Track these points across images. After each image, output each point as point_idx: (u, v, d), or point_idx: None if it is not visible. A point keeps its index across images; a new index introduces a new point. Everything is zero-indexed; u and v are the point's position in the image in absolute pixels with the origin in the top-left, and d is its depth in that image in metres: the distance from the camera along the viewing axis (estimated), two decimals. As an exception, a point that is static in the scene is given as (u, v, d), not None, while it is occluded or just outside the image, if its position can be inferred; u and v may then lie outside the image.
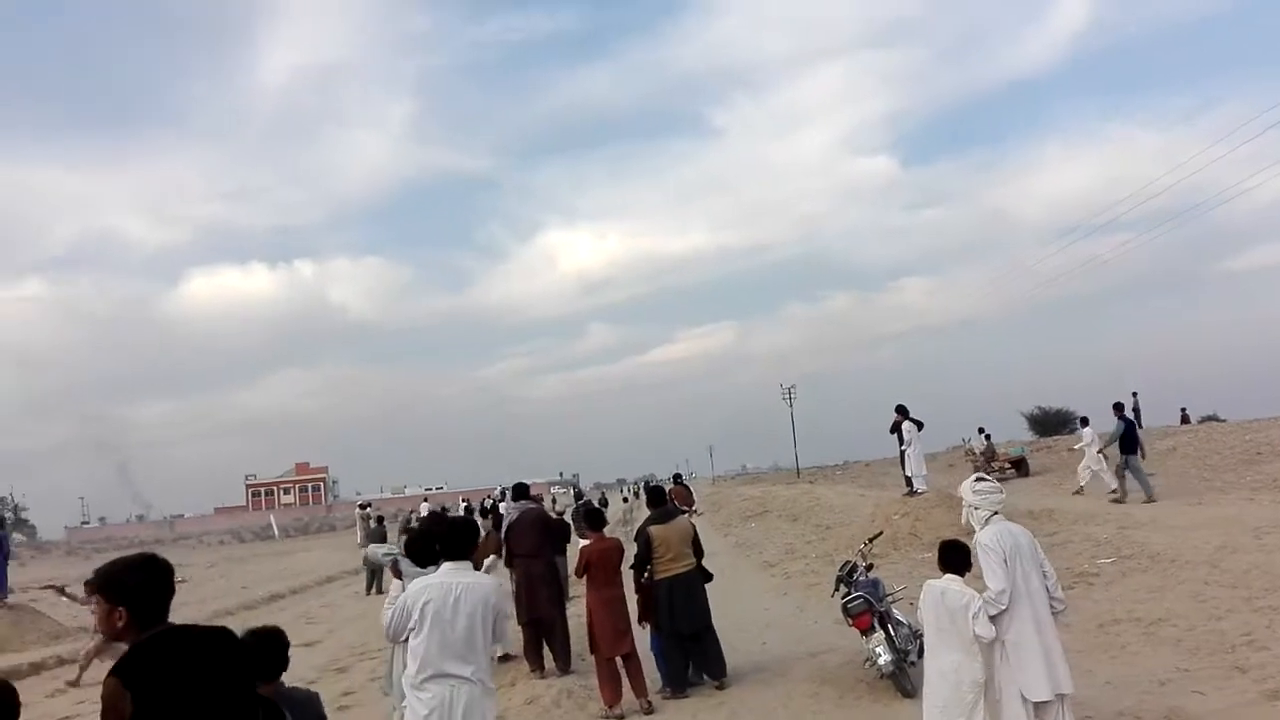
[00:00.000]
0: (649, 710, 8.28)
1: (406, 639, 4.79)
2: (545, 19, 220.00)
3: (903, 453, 18.50)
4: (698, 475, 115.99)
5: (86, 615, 12.92)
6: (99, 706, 2.78)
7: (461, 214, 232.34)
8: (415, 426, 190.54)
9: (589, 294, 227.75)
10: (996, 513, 5.52)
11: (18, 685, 3.05)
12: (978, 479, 5.76)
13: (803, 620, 11.48)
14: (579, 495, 36.12)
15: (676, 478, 28.40)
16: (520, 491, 11.84)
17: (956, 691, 5.30)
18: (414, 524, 27.06)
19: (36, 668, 13.96)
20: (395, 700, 5.92)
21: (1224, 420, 35.13)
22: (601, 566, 8.53)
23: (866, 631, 7.78)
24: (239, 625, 3.58)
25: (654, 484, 18.42)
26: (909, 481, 18.41)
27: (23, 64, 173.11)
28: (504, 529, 10.84)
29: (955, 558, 5.56)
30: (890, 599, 8.26)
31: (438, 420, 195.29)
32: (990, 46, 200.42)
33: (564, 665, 9.85)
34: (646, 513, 9.60)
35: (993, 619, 5.21)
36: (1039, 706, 5.14)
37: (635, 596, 8.91)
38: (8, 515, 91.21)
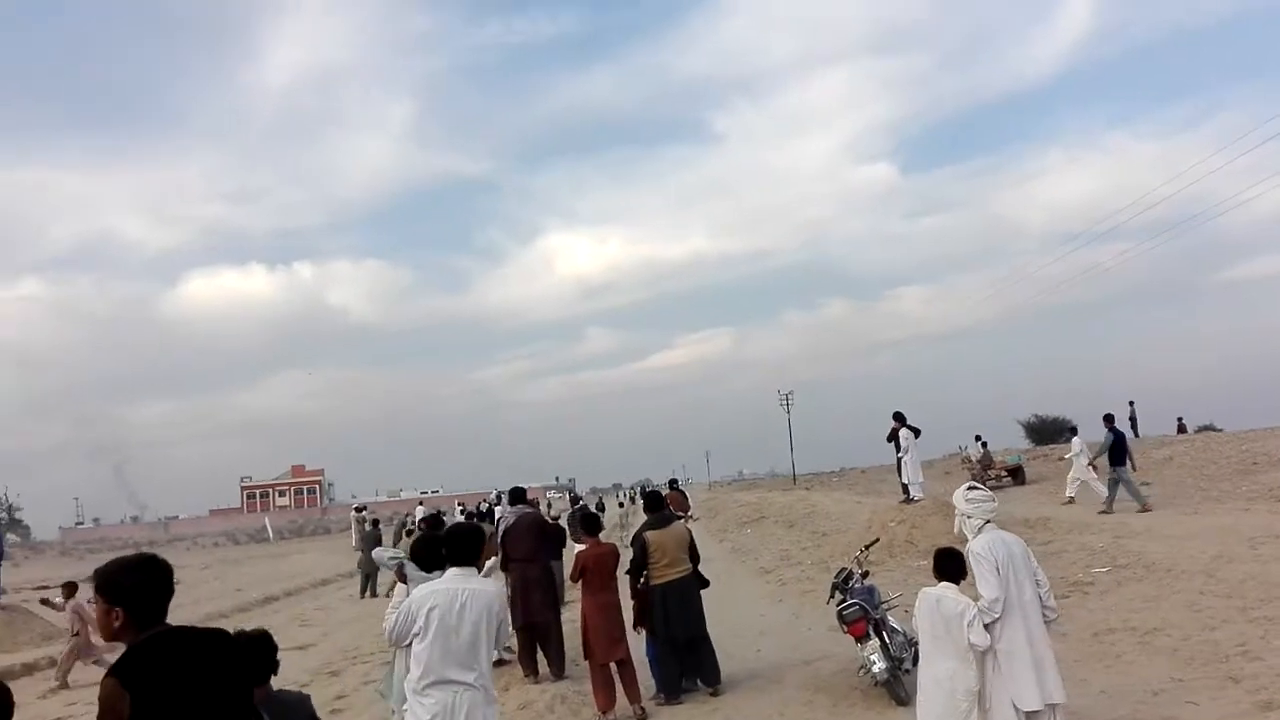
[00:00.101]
0: (643, 716, 8.26)
1: (409, 643, 4.80)
2: (546, 22, 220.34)
3: (899, 460, 18.52)
4: (694, 481, 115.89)
5: (72, 618, 12.86)
6: (92, 707, 2.78)
7: (461, 217, 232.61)
8: (412, 429, 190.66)
9: (588, 298, 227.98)
10: (989, 521, 5.53)
11: (10, 685, 3.04)
12: (970, 487, 5.77)
13: (798, 627, 11.47)
14: (575, 500, 36.04)
15: (672, 483, 28.33)
16: (517, 495, 11.80)
17: (951, 700, 5.30)
18: (409, 527, 27.02)
19: (29, 669, 13.95)
20: (395, 704, 5.91)
21: (1220, 430, 35.18)
22: (597, 572, 8.52)
23: (861, 639, 7.77)
24: (232, 628, 3.57)
25: (651, 489, 18.40)
26: (905, 489, 18.42)
27: (23, 63, 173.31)
28: (500, 533, 10.82)
29: (950, 565, 5.56)
30: (886, 606, 8.26)
31: (435, 423, 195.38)
32: (991, 55, 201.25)
33: (558, 670, 9.83)
34: (643, 518, 9.59)
35: (986, 627, 5.21)
36: (1030, 716, 5.14)
37: (631, 602, 8.91)
38: (2, 515, 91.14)
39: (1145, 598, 10.15)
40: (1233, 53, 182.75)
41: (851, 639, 7.96)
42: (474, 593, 4.78)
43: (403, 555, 6.20)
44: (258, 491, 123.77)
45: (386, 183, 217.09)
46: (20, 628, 16.84)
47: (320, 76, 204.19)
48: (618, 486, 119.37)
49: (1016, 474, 30.32)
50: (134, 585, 2.90)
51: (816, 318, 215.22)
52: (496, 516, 22.11)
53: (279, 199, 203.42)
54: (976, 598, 5.27)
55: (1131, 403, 35.03)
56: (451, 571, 4.93)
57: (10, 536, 62.74)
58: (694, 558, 8.96)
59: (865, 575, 8.65)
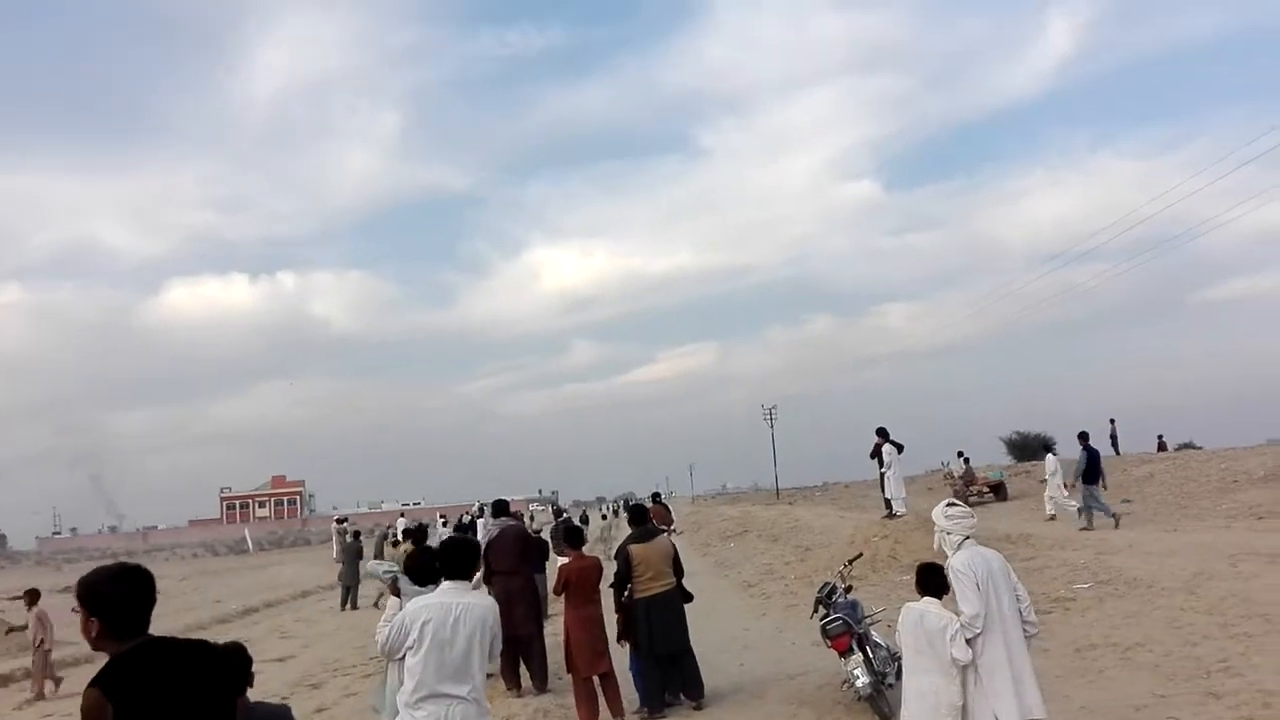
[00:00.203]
0: (626, 730, 8.23)
1: (402, 656, 4.79)
2: (536, 36, 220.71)
3: (883, 475, 18.58)
4: (677, 494, 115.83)
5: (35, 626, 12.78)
6: (69, 718, 2.75)
7: (447, 229, 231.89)
8: (394, 441, 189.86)
9: (573, 311, 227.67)
10: (968, 537, 5.55)
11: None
12: (948, 504, 5.78)
13: (781, 641, 11.45)
14: (559, 513, 35.96)
15: (655, 496, 28.31)
16: (500, 508, 11.78)
17: (934, 714, 5.30)
18: (390, 539, 26.87)
19: (5, 680, 13.77)
20: (388, 717, 5.88)
21: (1200, 448, 35.44)
22: (580, 585, 8.50)
23: (845, 653, 7.76)
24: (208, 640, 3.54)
25: (634, 502, 18.37)
26: (888, 504, 18.47)
27: (7, 68, 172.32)
28: (484, 545, 10.77)
29: (933, 580, 5.57)
30: (869, 621, 8.26)
31: (417, 435, 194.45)
32: (974, 75, 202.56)
33: (541, 684, 9.78)
34: (626, 531, 9.57)
35: (968, 642, 5.22)
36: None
37: (615, 615, 8.87)
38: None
39: (1127, 614, 10.19)
40: (1214, 76, 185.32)
41: (835, 653, 7.95)
42: (468, 606, 4.78)
43: (397, 568, 6.18)
44: (237, 502, 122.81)
45: (372, 194, 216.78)
46: (-4, 638, 16.65)
47: (308, 87, 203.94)
48: (601, 499, 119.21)
49: (999, 490, 30.46)
50: (114, 595, 2.87)
51: (801, 333, 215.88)
52: (478, 529, 22.02)
53: (263, 209, 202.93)
54: (958, 613, 5.27)
55: (1112, 420, 35.27)
56: (445, 585, 4.93)
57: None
58: (678, 571, 8.94)
59: (849, 590, 8.65)
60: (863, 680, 7.58)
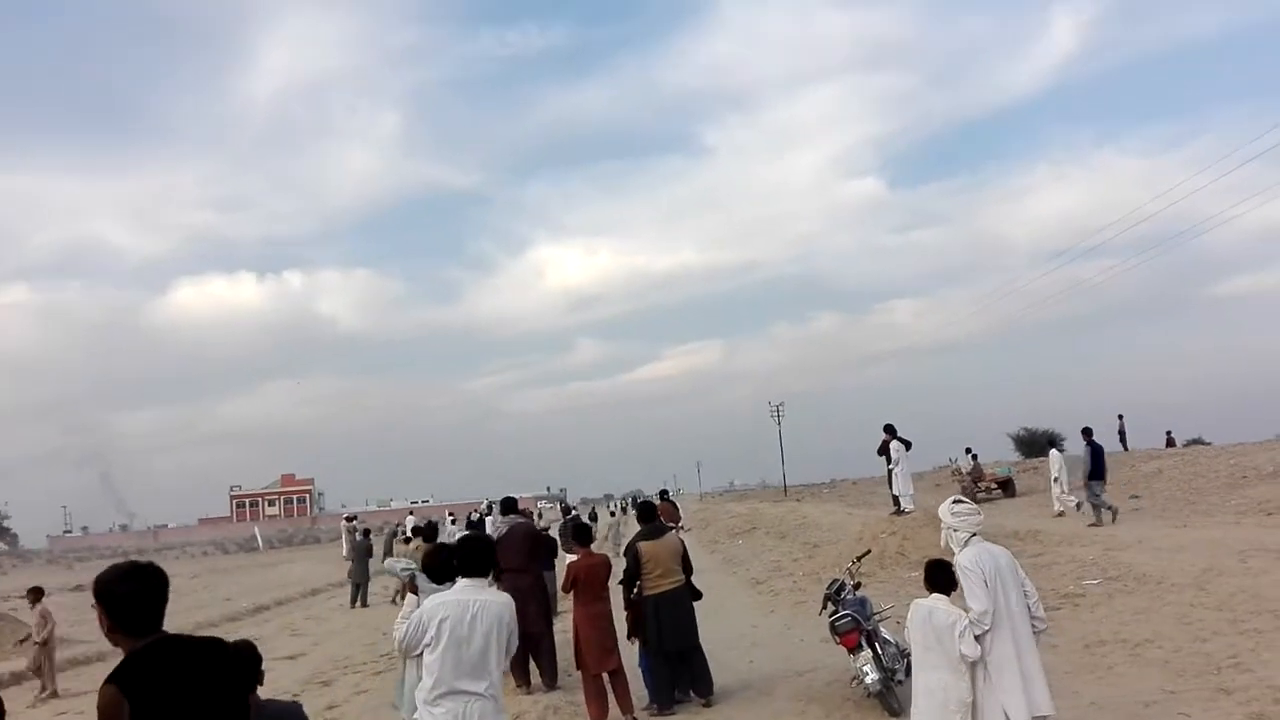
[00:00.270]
0: (635, 727, 8.24)
1: (419, 653, 4.83)
2: (537, 35, 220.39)
3: (890, 472, 18.57)
4: (685, 491, 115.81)
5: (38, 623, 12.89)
6: (82, 716, 2.79)
7: (452, 228, 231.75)
8: (402, 439, 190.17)
9: (578, 309, 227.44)
10: (975, 534, 5.54)
11: (0, 694, 3.04)
12: (955, 501, 5.78)
13: (790, 638, 11.47)
14: (567, 510, 35.96)
15: (663, 494, 28.27)
16: (509, 506, 11.80)
17: (943, 711, 5.30)
18: (399, 537, 26.93)
19: (17, 677, 13.84)
20: (406, 714, 5.91)
21: (1209, 444, 35.34)
22: (589, 582, 8.52)
23: (854, 650, 7.77)
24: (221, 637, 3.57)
25: (642, 500, 18.40)
26: (896, 500, 18.47)
27: (9, 68, 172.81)
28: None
29: (941, 577, 5.57)
30: (878, 618, 8.27)
31: (425, 433, 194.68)
32: (978, 72, 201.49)
33: (550, 681, 9.81)
34: (634, 528, 9.59)
35: (977, 639, 5.22)
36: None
37: (624, 612, 8.89)
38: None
39: (1136, 610, 10.17)
40: (1218, 73, 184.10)
41: (844, 650, 7.95)
42: (485, 604, 4.82)
43: (414, 566, 6.20)
44: (247, 500, 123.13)
45: (377, 193, 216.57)
46: (8, 636, 16.72)
47: (310, 85, 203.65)
48: (609, 497, 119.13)
49: (1007, 486, 30.41)
50: (126, 593, 2.91)
51: (807, 330, 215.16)
52: (487, 526, 22.09)
53: (268, 207, 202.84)
54: (967, 610, 5.28)
55: (1120, 416, 35.21)
56: (462, 582, 4.97)
57: (-3, 545, 62.44)
58: (687, 569, 8.96)
59: (857, 586, 8.66)
60: (872, 677, 7.59)
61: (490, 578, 9.81)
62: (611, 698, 8.37)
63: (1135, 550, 13.79)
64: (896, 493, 18.47)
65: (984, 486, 29.99)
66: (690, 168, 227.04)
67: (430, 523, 15.50)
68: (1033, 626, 5.38)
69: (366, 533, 24.43)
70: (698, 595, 9.12)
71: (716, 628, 11.12)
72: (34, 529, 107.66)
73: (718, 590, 15.35)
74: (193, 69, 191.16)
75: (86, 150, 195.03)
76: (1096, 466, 18.73)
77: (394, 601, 18.19)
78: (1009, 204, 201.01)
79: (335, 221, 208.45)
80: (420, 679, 4.86)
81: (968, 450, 33.79)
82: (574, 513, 31.74)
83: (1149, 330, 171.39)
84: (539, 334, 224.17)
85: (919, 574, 6.04)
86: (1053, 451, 23.64)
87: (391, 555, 31.31)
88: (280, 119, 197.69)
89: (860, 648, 7.72)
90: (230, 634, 5.42)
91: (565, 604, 10.50)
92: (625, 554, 9.29)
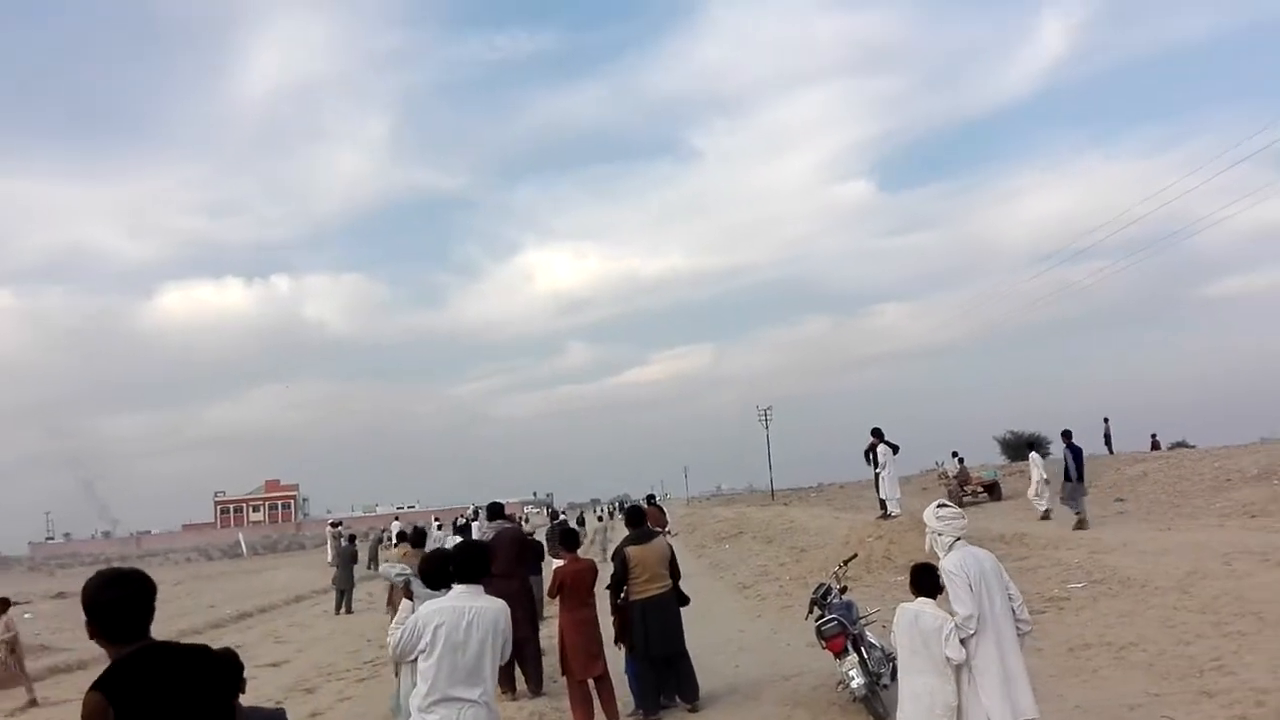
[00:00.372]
0: (621, 733, 8.22)
1: (414, 659, 4.82)
2: (526, 39, 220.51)
3: (878, 476, 18.62)
4: (672, 496, 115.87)
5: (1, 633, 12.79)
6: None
7: (440, 232, 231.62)
8: (389, 444, 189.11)
9: (566, 313, 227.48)
10: (960, 538, 5.56)
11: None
12: (939, 505, 5.79)
13: (776, 643, 11.46)
14: (554, 515, 35.91)
15: (650, 499, 28.30)
16: (495, 511, 11.77)
17: (930, 715, 5.30)
18: (385, 543, 26.83)
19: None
20: (401, 719, 5.89)
21: (1194, 447, 35.55)
22: (575, 587, 8.49)
23: (840, 654, 7.77)
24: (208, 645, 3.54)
25: (631, 504, 18.39)
26: (883, 504, 18.50)
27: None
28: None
29: (927, 581, 5.58)
30: (864, 622, 8.28)
31: (411, 438, 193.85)
32: (968, 75, 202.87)
33: (536, 687, 9.78)
34: (622, 533, 9.57)
35: (962, 642, 5.23)
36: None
37: (611, 618, 8.87)
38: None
39: (1120, 613, 10.22)
40: (1208, 76, 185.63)
41: (830, 654, 7.96)
42: (480, 610, 4.82)
43: (410, 571, 6.19)
44: (231, 506, 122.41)
45: (363, 197, 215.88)
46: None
47: (298, 90, 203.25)
48: (596, 502, 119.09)
49: (993, 490, 30.52)
50: (109, 601, 2.89)
51: (796, 334, 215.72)
52: (473, 532, 22.01)
53: (256, 212, 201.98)
54: (952, 614, 5.29)
55: (1106, 419, 35.39)
56: (458, 589, 4.96)
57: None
58: (675, 574, 8.94)
59: (843, 591, 8.66)
60: (858, 681, 7.58)
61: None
62: (597, 703, 8.34)
63: (1120, 553, 13.85)
64: (883, 496, 18.51)
65: (970, 490, 30.11)
66: (679, 172, 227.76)
67: (417, 528, 15.42)
68: (1017, 629, 5.39)
69: (352, 538, 24.35)
70: (685, 601, 9.10)
71: (703, 632, 11.10)
72: (15, 535, 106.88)
73: (704, 595, 15.32)
74: (181, 73, 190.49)
75: (75, 155, 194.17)
76: (1075, 469, 18.86)
77: (386, 612, 18.08)
78: (999, 207, 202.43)
79: (323, 226, 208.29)
80: (415, 685, 4.85)
81: (954, 454, 33.95)
82: (562, 518, 31.69)
83: (1137, 332, 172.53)
84: (527, 338, 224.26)
85: (905, 578, 6.05)
86: (1032, 454, 23.77)
87: (377, 561, 31.19)
88: (268, 123, 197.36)
89: (846, 652, 7.72)
90: (214, 641, 5.37)
91: (551, 609, 10.46)
92: (613, 559, 9.28)
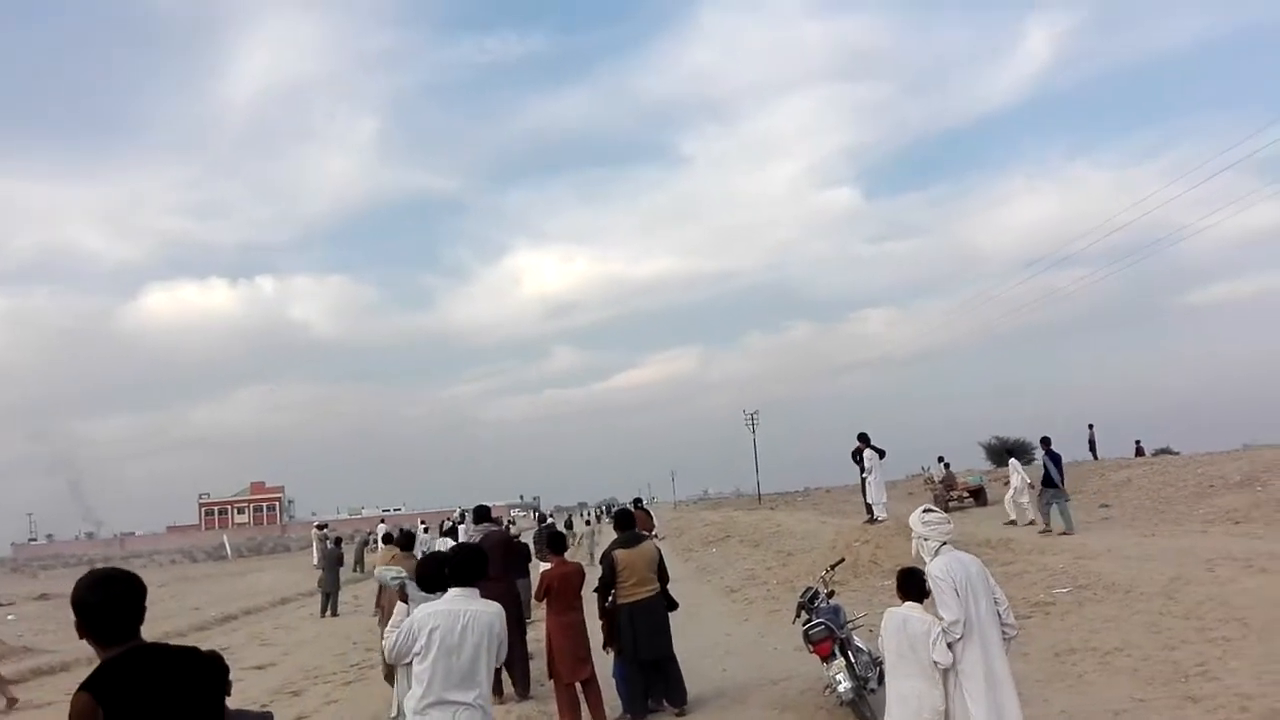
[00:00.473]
0: (608, 736, 8.21)
1: (409, 662, 4.82)
2: (516, 42, 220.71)
3: (864, 480, 18.66)
4: (659, 500, 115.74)
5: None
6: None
7: (428, 234, 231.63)
8: (375, 447, 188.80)
9: (555, 317, 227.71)
10: (946, 543, 5.58)
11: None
12: (925, 510, 5.81)
13: (764, 647, 11.47)
14: (543, 519, 35.82)
15: (637, 502, 28.25)
16: (482, 514, 11.74)
17: (917, 719, 5.32)
18: (371, 545, 26.72)
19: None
20: None
21: (1177, 453, 35.76)
22: (562, 591, 8.48)
23: (827, 658, 7.77)
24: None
25: (619, 508, 18.38)
26: (870, 509, 18.54)
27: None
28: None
29: (913, 585, 5.60)
30: (851, 626, 8.29)
31: (398, 441, 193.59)
32: (954, 83, 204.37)
33: (523, 691, 9.76)
34: (609, 537, 9.55)
35: (949, 646, 5.25)
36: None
37: (599, 621, 8.85)
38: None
39: (1106, 618, 10.26)
40: (1192, 84, 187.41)
41: (817, 658, 7.96)
42: (475, 614, 4.82)
43: (405, 575, 6.17)
44: (216, 508, 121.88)
45: (352, 199, 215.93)
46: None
47: (287, 90, 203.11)
48: (583, 505, 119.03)
49: (978, 495, 30.61)
50: (96, 602, 2.89)
51: (782, 339, 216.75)
52: (460, 535, 21.94)
53: (242, 213, 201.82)
54: (939, 619, 5.30)
55: (1090, 426, 35.62)
56: (453, 592, 4.95)
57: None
58: (663, 578, 8.94)
59: (831, 595, 8.67)
60: (845, 685, 7.58)
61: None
62: (585, 707, 8.33)
63: (1105, 559, 13.91)
64: (870, 501, 18.55)
65: (956, 495, 30.18)
66: (668, 176, 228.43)
67: (405, 531, 15.37)
68: (1004, 633, 5.41)
69: (338, 541, 24.25)
70: (673, 604, 9.09)
71: (690, 636, 11.10)
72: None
73: (692, 599, 15.32)
74: (169, 74, 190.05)
75: (61, 154, 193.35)
76: (1054, 475, 19.00)
77: (375, 616, 17.99)
78: (984, 214, 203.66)
79: (311, 227, 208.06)
80: (410, 688, 4.84)
81: (940, 459, 34.06)
82: (549, 521, 31.64)
83: (1120, 339, 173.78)
84: (515, 341, 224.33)
85: (892, 582, 6.07)
86: (1012, 460, 23.90)
87: (362, 564, 31.03)
88: (257, 124, 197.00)
89: (834, 656, 7.73)
90: (198, 644, 5.34)
91: (538, 612, 10.44)
92: (601, 562, 9.27)
